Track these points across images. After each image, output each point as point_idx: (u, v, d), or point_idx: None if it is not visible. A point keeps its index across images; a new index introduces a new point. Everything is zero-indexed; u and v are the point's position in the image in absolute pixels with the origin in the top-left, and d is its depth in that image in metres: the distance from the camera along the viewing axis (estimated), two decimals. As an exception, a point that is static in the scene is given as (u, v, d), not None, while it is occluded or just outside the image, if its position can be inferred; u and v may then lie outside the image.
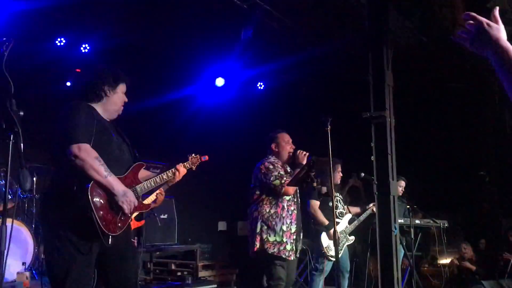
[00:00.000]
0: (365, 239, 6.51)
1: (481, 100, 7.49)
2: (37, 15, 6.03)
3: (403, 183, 6.27)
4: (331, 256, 4.96)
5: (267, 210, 3.79)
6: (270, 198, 3.83)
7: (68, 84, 7.15)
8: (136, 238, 4.37)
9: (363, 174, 5.59)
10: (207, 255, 7.47)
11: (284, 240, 3.74)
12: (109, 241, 2.49)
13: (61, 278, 2.47)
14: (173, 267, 7.15)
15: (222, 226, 8.91)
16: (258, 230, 3.78)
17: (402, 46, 5.66)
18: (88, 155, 2.46)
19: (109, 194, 2.54)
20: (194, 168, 3.14)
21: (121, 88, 2.83)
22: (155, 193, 3.00)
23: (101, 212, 2.48)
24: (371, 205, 5.54)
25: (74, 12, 6.26)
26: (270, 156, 4.04)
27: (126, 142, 2.83)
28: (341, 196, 5.49)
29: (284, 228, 3.76)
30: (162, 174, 2.90)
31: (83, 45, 6.85)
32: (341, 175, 5.42)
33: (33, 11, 5.85)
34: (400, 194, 6.16)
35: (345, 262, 5.33)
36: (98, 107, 2.75)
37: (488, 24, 1.52)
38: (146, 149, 3.15)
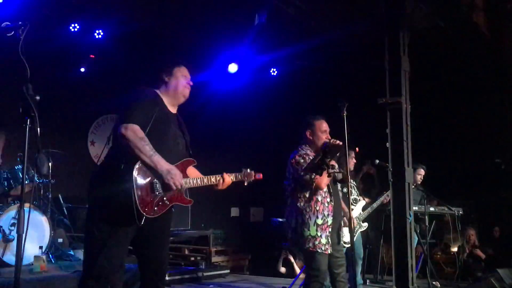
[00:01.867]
0: (378, 226, 6.49)
1: (498, 87, 7.35)
2: (51, 1, 6.03)
3: (422, 172, 6.15)
4: (345, 243, 4.95)
5: (301, 205, 3.66)
6: (304, 192, 3.69)
7: (82, 70, 7.19)
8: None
9: (377, 161, 5.54)
10: (220, 241, 7.53)
11: (319, 234, 3.60)
12: (141, 221, 2.52)
13: (94, 255, 2.53)
14: (186, 252, 7.23)
15: (235, 212, 8.96)
16: (293, 225, 3.69)
17: (418, 30, 5.56)
18: (134, 134, 2.50)
19: (154, 175, 2.57)
20: (245, 183, 3.13)
21: (179, 71, 2.88)
22: None
23: (141, 192, 2.52)
24: (384, 195, 5.48)
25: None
26: (302, 146, 3.80)
27: (185, 138, 2.88)
28: (354, 183, 5.46)
29: (319, 221, 3.62)
30: (209, 177, 2.93)
31: (97, 31, 6.84)
32: (355, 161, 5.38)
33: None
34: (419, 182, 6.08)
35: (359, 248, 5.33)
36: (163, 95, 2.84)
37: None
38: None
